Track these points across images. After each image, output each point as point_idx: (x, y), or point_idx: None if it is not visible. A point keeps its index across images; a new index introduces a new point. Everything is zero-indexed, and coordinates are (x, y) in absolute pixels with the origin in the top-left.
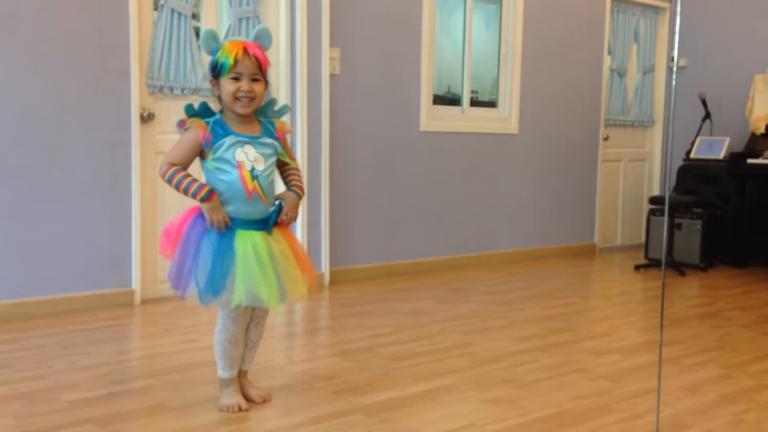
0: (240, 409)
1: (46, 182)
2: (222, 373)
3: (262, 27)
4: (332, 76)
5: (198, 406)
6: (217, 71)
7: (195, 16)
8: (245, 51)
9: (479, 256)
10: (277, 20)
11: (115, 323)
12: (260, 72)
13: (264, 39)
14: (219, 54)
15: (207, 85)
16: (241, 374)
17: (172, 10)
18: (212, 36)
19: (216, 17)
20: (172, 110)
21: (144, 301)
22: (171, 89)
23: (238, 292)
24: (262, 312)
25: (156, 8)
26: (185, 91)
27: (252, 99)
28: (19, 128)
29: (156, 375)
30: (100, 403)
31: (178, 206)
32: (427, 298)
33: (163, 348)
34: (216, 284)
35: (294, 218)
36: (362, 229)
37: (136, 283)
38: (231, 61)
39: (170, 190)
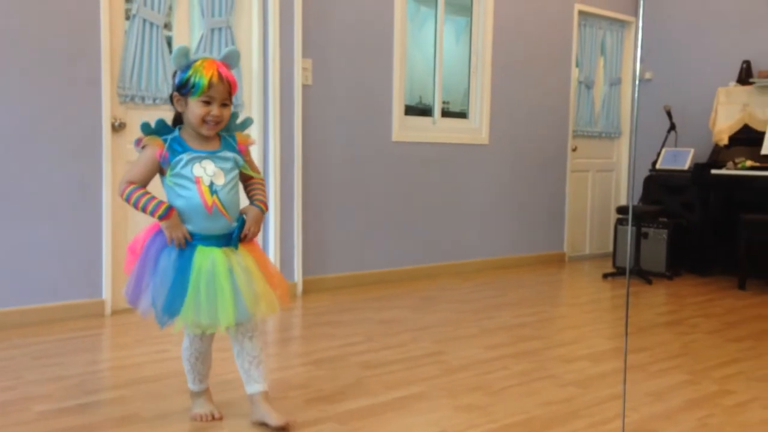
0: (213, 418)
1: (15, 191)
2: (192, 386)
3: (233, 48)
4: (305, 86)
5: (170, 416)
6: (186, 89)
7: (167, 26)
8: (220, 76)
9: (450, 265)
10: (249, 31)
11: (86, 334)
12: (229, 97)
13: (233, 60)
14: (191, 72)
15: None
16: (258, 398)
17: (144, 20)
18: (184, 53)
19: (188, 27)
20: (143, 120)
21: (115, 312)
22: (142, 99)
23: (184, 318)
24: (249, 324)
25: (127, 18)
26: (157, 101)
27: (218, 123)
28: None
29: (128, 385)
30: (72, 414)
31: (148, 217)
32: (399, 307)
33: (135, 358)
34: (174, 306)
35: (256, 233)
36: (335, 238)
37: (106, 294)
38: (205, 83)
39: None
